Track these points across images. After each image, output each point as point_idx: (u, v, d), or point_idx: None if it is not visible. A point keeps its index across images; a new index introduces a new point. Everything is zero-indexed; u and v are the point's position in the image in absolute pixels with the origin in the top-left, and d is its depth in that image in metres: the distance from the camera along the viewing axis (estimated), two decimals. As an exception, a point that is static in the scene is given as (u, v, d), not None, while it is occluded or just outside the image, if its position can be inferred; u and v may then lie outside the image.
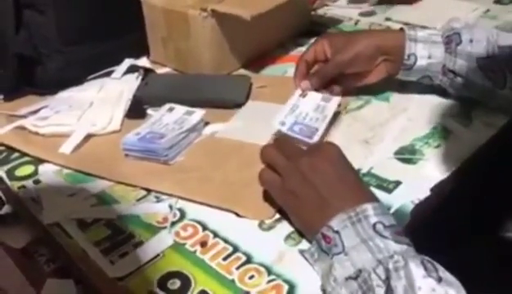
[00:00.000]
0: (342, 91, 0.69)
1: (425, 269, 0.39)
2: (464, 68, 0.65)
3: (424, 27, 0.90)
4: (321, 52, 0.70)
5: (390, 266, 0.40)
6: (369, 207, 0.44)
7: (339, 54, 0.68)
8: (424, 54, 0.66)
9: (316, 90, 0.69)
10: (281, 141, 0.55)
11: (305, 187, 0.48)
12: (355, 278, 0.41)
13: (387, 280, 0.40)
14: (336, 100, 0.67)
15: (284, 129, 0.62)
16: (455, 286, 0.39)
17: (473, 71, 0.65)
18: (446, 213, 0.59)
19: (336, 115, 0.67)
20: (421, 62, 0.67)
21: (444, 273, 0.40)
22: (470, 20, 0.92)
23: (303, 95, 0.68)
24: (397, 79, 0.70)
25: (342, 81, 0.70)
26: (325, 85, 0.70)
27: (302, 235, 0.50)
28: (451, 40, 0.66)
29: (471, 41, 0.65)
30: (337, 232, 0.44)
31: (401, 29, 0.69)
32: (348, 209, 0.44)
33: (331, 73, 0.69)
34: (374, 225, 0.43)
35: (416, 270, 0.39)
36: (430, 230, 0.56)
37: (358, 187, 0.48)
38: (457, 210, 0.65)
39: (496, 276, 0.70)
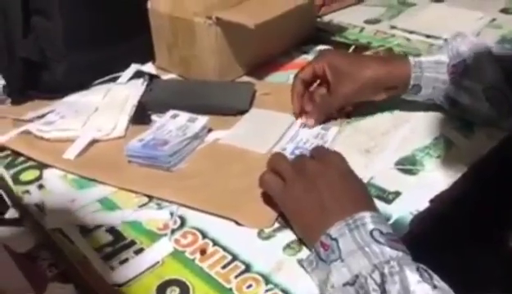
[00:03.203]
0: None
1: (420, 275, 0.40)
2: (468, 99, 0.64)
3: (428, 36, 0.92)
4: (320, 71, 0.68)
5: (386, 271, 0.41)
6: (366, 215, 0.45)
7: (341, 86, 0.66)
8: (429, 85, 0.66)
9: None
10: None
11: (308, 193, 0.49)
12: (352, 284, 0.42)
13: (382, 284, 0.40)
14: (334, 129, 0.67)
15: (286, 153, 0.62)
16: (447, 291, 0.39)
17: (478, 101, 0.64)
18: (445, 224, 0.59)
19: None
20: (425, 92, 0.66)
21: (439, 282, 0.40)
22: (476, 31, 0.92)
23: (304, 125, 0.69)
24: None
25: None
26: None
27: (301, 244, 0.50)
28: (457, 70, 0.64)
29: (478, 70, 0.64)
30: (335, 239, 0.44)
31: (406, 56, 0.68)
32: (347, 217, 0.45)
33: (335, 107, 0.69)
34: (371, 232, 0.44)
35: (411, 276, 0.40)
36: (429, 241, 0.56)
37: (360, 196, 0.49)
38: (457, 221, 0.65)
39: (498, 286, 0.70)
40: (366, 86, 0.66)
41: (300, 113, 0.69)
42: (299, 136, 0.66)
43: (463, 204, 0.60)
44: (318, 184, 0.49)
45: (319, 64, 0.68)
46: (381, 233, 0.44)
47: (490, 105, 0.63)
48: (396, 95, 0.68)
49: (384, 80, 0.66)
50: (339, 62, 0.67)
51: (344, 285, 0.42)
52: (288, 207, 0.51)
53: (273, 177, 0.53)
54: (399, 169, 0.60)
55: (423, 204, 0.55)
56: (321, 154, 0.54)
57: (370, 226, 0.44)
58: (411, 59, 0.66)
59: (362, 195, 0.50)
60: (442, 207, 0.56)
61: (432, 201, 0.55)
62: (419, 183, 0.58)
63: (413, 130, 0.67)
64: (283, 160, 0.54)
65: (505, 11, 1.01)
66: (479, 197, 0.65)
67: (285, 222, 0.53)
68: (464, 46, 0.66)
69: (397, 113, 0.71)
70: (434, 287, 0.39)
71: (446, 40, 0.71)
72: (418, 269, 0.41)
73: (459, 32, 0.69)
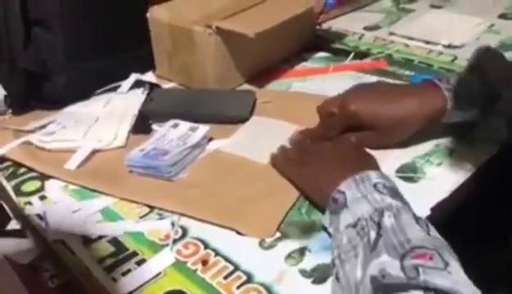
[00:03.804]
0: None
1: (417, 221, 0.44)
2: (491, 123, 0.63)
3: (428, 42, 0.92)
4: (345, 126, 0.63)
5: (385, 212, 0.44)
6: (372, 173, 0.50)
7: (379, 137, 0.62)
8: (459, 116, 0.62)
9: None
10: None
11: (322, 164, 0.55)
12: (354, 226, 0.46)
13: (379, 222, 0.44)
14: None
15: None
16: (443, 242, 0.42)
17: (498, 126, 0.62)
18: (448, 232, 0.59)
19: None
20: (455, 119, 0.63)
21: (435, 232, 0.43)
22: (475, 36, 0.92)
23: None
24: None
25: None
26: None
27: (302, 254, 0.51)
28: (489, 100, 0.61)
29: (507, 99, 0.60)
30: (343, 192, 0.49)
31: (437, 86, 0.62)
32: (354, 174, 0.50)
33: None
34: (375, 185, 0.49)
35: (407, 219, 0.44)
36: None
37: (367, 160, 0.55)
38: (460, 229, 0.65)
39: (502, 286, 0.70)
40: (409, 133, 0.63)
41: None
42: None
43: (465, 211, 0.60)
44: (329, 155, 0.56)
45: (345, 121, 0.63)
46: (384, 186, 0.48)
47: (509, 132, 0.62)
48: None
49: (421, 126, 0.62)
50: (369, 116, 0.61)
51: (347, 227, 0.46)
52: (304, 181, 0.57)
53: (287, 161, 0.60)
54: (400, 177, 0.60)
55: (424, 212, 0.55)
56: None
57: (374, 180, 0.49)
58: (446, 92, 0.60)
59: (369, 160, 0.56)
60: (443, 215, 0.57)
61: (433, 209, 0.55)
62: (419, 191, 0.58)
63: (414, 137, 0.67)
64: (292, 147, 0.63)
65: (503, 16, 1.01)
66: (481, 202, 0.65)
67: (284, 236, 0.53)
68: (491, 66, 0.62)
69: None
70: (428, 234, 0.42)
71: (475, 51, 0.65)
72: (414, 216, 0.45)
73: (482, 46, 0.66)
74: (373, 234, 0.43)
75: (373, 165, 0.54)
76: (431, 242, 0.41)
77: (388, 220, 0.43)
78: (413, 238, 0.41)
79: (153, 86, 0.81)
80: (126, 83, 0.82)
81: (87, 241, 0.54)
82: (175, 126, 0.69)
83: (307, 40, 0.95)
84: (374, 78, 0.82)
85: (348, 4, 1.10)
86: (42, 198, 0.61)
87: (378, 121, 0.61)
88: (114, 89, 0.81)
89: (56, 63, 0.76)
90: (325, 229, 0.52)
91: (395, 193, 0.48)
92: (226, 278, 0.48)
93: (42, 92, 0.77)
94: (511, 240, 0.78)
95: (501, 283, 0.73)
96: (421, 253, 0.39)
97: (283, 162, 0.61)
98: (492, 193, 0.67)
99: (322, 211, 0.53)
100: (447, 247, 0.41)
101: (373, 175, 0.50)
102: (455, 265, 0.39)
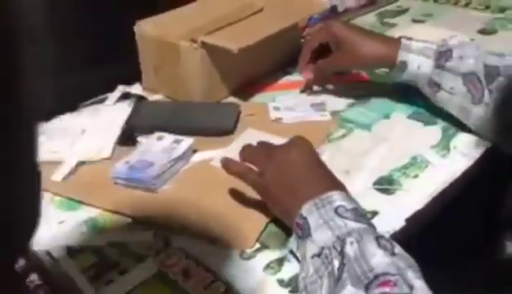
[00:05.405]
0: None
1: (379, 244, 0.43)
2: (448, 82, 0.69)
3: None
4: (325, 41, 0.80)
5: (346, 240, 0.44)
6: (333, 194, 0.49)
7: (343, 58, 0.79)
8: (414, 64, 0.72)
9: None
10: (259, 143, 0.61)
11: (280, 180, 0.53)
12: (318, 255, 0.46)
13: (342, 251, 0.43)
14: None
15: None
16: (407, 261, 0.42)
17: (456, 85, 0.69)
18: (422, 243, 0.61)
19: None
20: (411, 69, 0.73)
21: (400, 250, 0.43)
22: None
23: None
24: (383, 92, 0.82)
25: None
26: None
27: (281, 264, 0.52)
28: (442, 55, 0.70)
29: (461, 57, 0.69)
30: (305, 218, 0.49)
31: (399, 38, 0.75)
32: (315, 197, 0.49)
33: (329, 71, 0.83)
34: (336, 209, 0.48)
35: (370, 243, 0.43)
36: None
37: (327, 176, 0.54)
38: (434, 239, 0.67)
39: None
40: (364, 65, 0.81)
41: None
42: None
43: (439, 222, 0.62)
44: (287, 168, 0.53)
45: (325, 36, 0.80)
46: (346, 209, 0.48)
47: (467, 90, 0.68)
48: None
49: (381, 61, 0.76)
50: (343, 36, 0.77)
51: (312, 257, 0.46)
52: (265, 196, 0.56)
53: (247, 169, 0.57)
54: (377, 189, 0.62)
55: (399, 223, 0.57)
56: (289, 140, 0.58)
57: (336, 203, 0.48)
58: (403, 40, 0.74)
59: (328, 176, 0.54)
60: (418, 226, 0.58)
61: (408, 220, 0.57)
62: (396, 202, 0.60)
63: (391, 149, 0.70)
64: (253, 151, 0.59)
65: (482, 31, 1.04)
66: (455, 215, 0.67)
67: (264, 246, 0.55)
68: (452, 41, 0.73)
69: (375, 131, 0.74)
70: (393, 254, 0.42)
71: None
72: (377, 239, 0.44)
73: (452, 35, 0.76)
74: (336, 263, 0.43)
75: (333, 179, 0.53)
76: (394, 266, 0.41)
77: (350, 249, 0.43)
78: (376, 266, 0.41)
79: (139, 99, 0.83)
80: (113, 95, 0.83)
81: (72, 251, 0.55)
82: (160, 138, 0.71)
83: (291, 54, 0.96)
84: (356, 90, 0.84)
85: (332, 18, 1.12)
86: (28, 209, 0.62)
87: (346, 44, 0.77)
88: (101, 101, 0.82)
89: (44, 75, 0.77)
90: (291, 252, 0.52)
91: (357, 214, 0.48)
92: (206, 288, 0.50)
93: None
94: (491, 250, 0.80)
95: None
96: (385, 281, 0.39)
97: (243, 170, 0.58)
98: (468, 203, 0.69)
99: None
100: (413, 265, 0.41)
101: (335, 197, 0.49)
102: (420, 286, 0.39)
